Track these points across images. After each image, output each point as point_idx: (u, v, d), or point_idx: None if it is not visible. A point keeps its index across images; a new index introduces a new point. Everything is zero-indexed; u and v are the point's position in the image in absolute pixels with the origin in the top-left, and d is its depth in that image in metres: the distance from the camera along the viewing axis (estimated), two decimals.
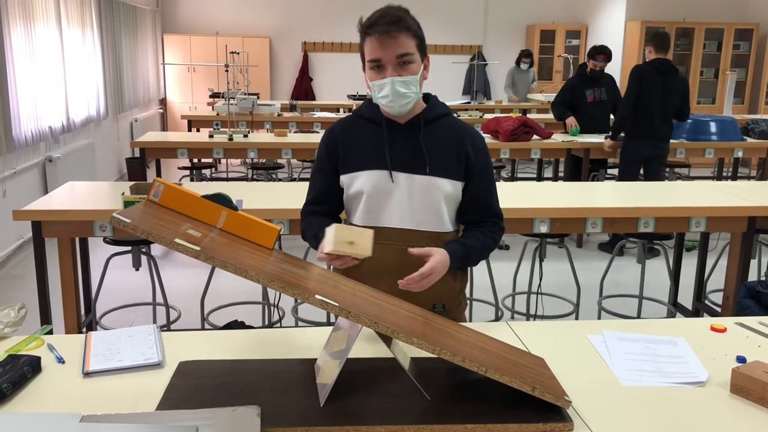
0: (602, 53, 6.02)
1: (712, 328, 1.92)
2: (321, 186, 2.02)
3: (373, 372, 1.59)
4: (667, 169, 7.49)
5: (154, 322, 4.08)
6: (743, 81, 9.89)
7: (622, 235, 4.47)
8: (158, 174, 6.21)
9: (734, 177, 7.51)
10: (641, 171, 5.63)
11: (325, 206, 2.04)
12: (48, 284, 3.22)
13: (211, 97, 9.23)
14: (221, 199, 1.61)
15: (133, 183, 3.30)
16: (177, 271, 5.01)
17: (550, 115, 8.18)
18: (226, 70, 5.88)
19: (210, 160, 7.45)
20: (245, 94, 7.36)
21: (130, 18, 8.80)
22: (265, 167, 6.94)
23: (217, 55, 10.34)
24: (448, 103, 2.08)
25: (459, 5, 11.02)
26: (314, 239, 1.97)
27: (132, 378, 1.57)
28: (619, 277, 5.06)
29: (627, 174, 5.53)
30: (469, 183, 1.96)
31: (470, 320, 2.19)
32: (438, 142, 1.92)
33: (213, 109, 7.97)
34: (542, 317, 4.26)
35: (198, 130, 7.43)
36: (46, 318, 3.24)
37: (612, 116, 6.17)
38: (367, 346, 1.74)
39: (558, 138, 5.97)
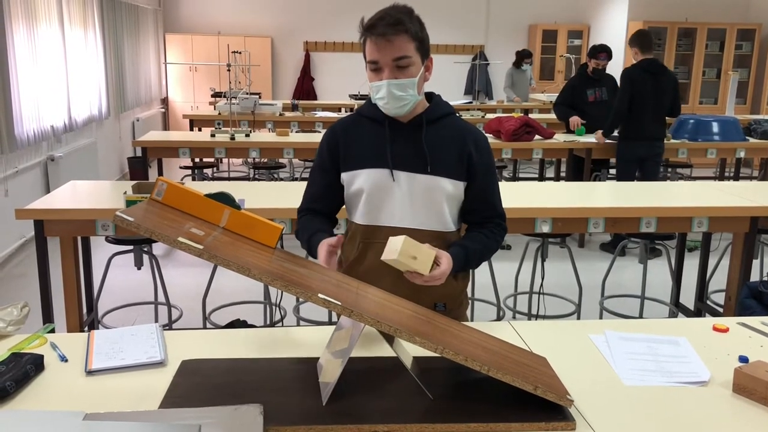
0: (604, 51, 6.02)
1: (715, 328, 1.92)
2: (320, 184, 2.02)
3: (375, 371, 1.59)
4: (669, 169, 7.49)
5: (156, 321, 4.08)
6: (745, 81, 9.88)
7: (624, 235, 4.47)
8: (160, 173, 6.22)
9: (736, 177, 7.50)
10: (638, 171, 5.64)
11: (323, 204, 2.03)
12: (50, 283, 3.23)
13: (212, 96, 9.23)
14: (224, 198, 1.62)
15: (135, 182, 3.31)
16: (179, 271, 5.01)
17: (552, 115, 8.18)
18: (228, 70, 5.89)
19: (212, 160, 7.47)
20: (247, 93, 7.37)
21: (132, 18, 8.80)
22: (267, 167, 6.94)
23: (219, 54, 10.35)
24: (449, 103, 2.07)
25: (461, 5, 11.02)
26: (307, 243, 1.95)
27: (134, 376, 1.57)
28: (620, 277, 5.06)
29: (624, 174, 5.55)
30: (471, 183, 1.96)
31: (472, 320, 2.20)
32: (440, 142, 1.92)
33: (215, 109, 7.97)
34: (544, 317, 4.26)
35: (200, 130, 7.43)
36: (48, 317, 3.24)
37: None
38: (369, 345, 1.74)
39: (560, 138, 5.97)
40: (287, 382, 1.53)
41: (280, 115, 7.51)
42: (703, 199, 3.50)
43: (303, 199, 2.06)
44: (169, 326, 3.91)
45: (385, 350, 1.68)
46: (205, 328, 3.91)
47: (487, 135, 5.72)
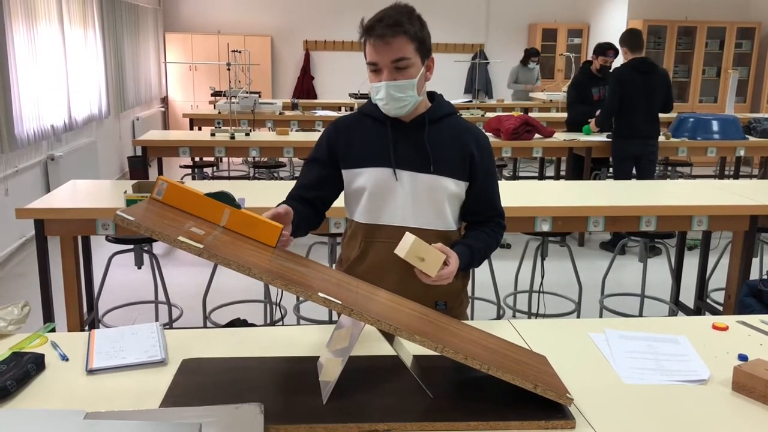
0: (612, 48, 6.04)
1: (714, 327, 1.93)
2: (313, 176, 1.99)
3: (375, 370, 1.59)
4: (669, 168, 7.49)
5: (157, 320, 4.08)
6: (745, 79, 9.88)
7: (624, 234, 4.47)
8: (160, 172, 6.22)
9: (736, 176, 7.51)
10: (634, 170, 5.67)
11: (311, 193, 1.99)
12: (51, 282, 3.23)
13: (212, 95, 9.23)
14: (224, 197, 1.62)
15: (135, 181, 3.31)
16: (179, 270, 5.01)
17: (552, 114, 8.19)
18: (228, 69, 5.88)
19: (212, 159, 7.47)
20: (247, 92, 7.36)
21: (132, 17, 8.80)
22: (267, 166, 6.94)
23: (219, 53, 10.34)
24: (451, 103, 2.07)
25: (461, 4, 11.02)
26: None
27: (135, 375, 1.58)
28: (620, 275, 5.06)
29: (620, 172, 5.57)
30: (473, 183, 1.96)
31: (472, 319, 2.20)
32: (442, 142, 1.92)
33: (215, 108, 7.98)
34: (544, 316, 4.26)
35: (200, 129, 7.43)
36: (48, 316, 3.25)
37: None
38: (369, 344, 1.74)
39: (560, 137, 5.97)
40: (288, 381, 1.53)
41: (280, 114, 7.51)
42: (703, 198, 3.50)
43: (294, 186, 2.03)
44: (169, 325, 3.92)
45: (385, 349, 1.68)
46: (205, 327, 3.91)
47: (487, 134, 5.77)
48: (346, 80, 10.64)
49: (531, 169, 9.46)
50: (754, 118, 6.73)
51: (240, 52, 7.44)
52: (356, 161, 1.94)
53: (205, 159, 7.38)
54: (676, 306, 4.24)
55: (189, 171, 7.31)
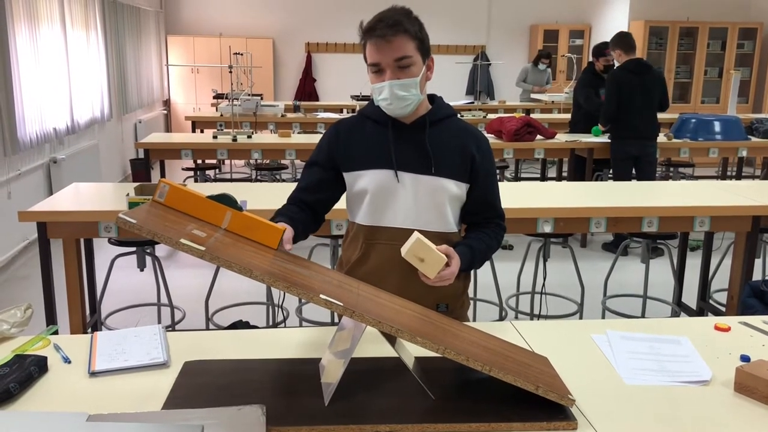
0: (609, 47, 6.03)
1: (716, 327, 1.92)
2: (313, 179, 1.99)
3: (377, 371, 1.60)
4: (671, 169, 7.48)
5: (159, 322, 4.09)
6: (747, 80, 9.87)
7: (626, 235, 4.47)
8: (162, 175, 6.23)
9: (738, 176, 7.50)
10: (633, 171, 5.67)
11: (310, 197, 1.99)
12: (53, 285, 3.24)
13: (214, 98, 9.25)
14: (226, 200, 1.62)
15: (137, 184, 3.32)
16: (181, 272, 5.02)
17: (554, 115, 8.19)
18: (230, 72, 5.90)
19: (214, 161, 7.47)
20: (249, 95, 7.37)
21: (133, 20, 8.82)
22: (269, 168, 6.95)
23: (221, 56, 10.36)
24: (451, 104, 2.08)
25: (462, 5, 11.02)
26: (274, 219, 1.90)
27: (138, 378, 1.58)
28: (623, 276, 5.06)
29: (620, 173, 5.57)
30: (474, 185, 1.96)
31: (474, 320, 2.20)
32: (443, 143, 1.93)
33: (217, 110, 7.99)
34: (546, 317, 4.26)
35: (202, 131, 7.45)
36: (51, 318, 3.25)
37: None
38: (371, 346, 1.74)
39: (561, 138, 5.97)
40: (290, 383, 1.54)
41: (282, 116, 7.52)
42: (705, 199, 3.50)
43: (294, 188, 2.03)
44: (171, 327, 3.92)
45: (386, 351, 1.69)
46: (207, 329, 3.92)
47: (488, 135, 5.79)
48: (347, 82, 10.65)
49: (533, 171, 9.46)
50: (757, 118, 6.73)
51: (242, 54, 7.46)
52: (357, 164, 1.94)
53: (207, 161, 7.39)
54: (679, 307, 4.24)
55: (191, 173, 7.32)
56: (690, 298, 4.30)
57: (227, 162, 9.14)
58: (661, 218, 3.37)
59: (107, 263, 3.78)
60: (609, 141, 5.68)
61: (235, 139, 5.61)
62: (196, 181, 7.19)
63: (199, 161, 7.25)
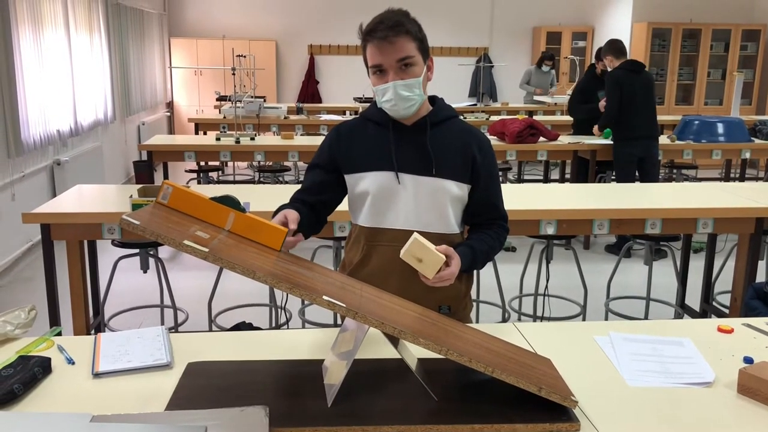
0: None
1: (719, 329, 1.92)
2: (315, 181, 2.00)
3: (380, 372, 1.60)
4: (674, 171, 7.48)
5: (162, 324, 4.09)
6: (750, 82, 9.86)
7: (629, 237, 4.46)
8: (165, 177, 6.24)
9: (742, 178, 7.49)
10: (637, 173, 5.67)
11: (313, 198, 2.00)
12: (57, 287, 3.24)
13: (217, 100, 9.26)
14: (229, 201, 1.63)
15: (141, 186, 3.32)
16: (184, 274, 5.03)
17: (557, 117, 8.19)
18: (233, 74, 5.91)
19: (217, 163, 7.49)
20: (252, 97, 7.39)
21: (137, 22, 8.84)
22: (272, 170, 6.96)
23: (224, 58, 10.37)
24: (454, 105, 2.08)
25: (465, 7, 11.03)
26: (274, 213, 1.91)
27: (141, 379, 1.58)
28: (626, 278, 5.05)
29: (624, 175, 5.56)
30: (475, 186, 1.96)
31: (477, 322, 2.20)
32: (444, 145, 1.93)
33: (220, 112, 8.00)
34: (549, 319, 4.26)
35: (205, 133, 7.46)
36: (55, 320, 3.26)
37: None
38: (374, 347, 1.75)
39: (564, 140, 5.97)
40: (292, 384, 1.54)
41: (285, 118, 7.53)
42: (708, 201, 3.49)
43: (296, 191, 2.05)
44: (175, 329, 3.93)
45: (389, 352, 1.69)
46: (210, 330, 3.92)
47: (491, 137, 5.79)
48: (350, 84, 10.66)
49: (536, 172, 9.45)
50: (760, 120, 6.72)
51: (245, 56, 7.47)
52: (359, 166, 1.95)
53: (210, 163, 7.40)
54: (682, 309, 4.23)
55: (194, 175, 7.33)
56: (693, 300, 4.30)
57: (230, 164, 9.16)
58: (664, 220, 3.37)
59: (110, 265, 3.79)
60: (612, 143, 5.67)
61: (238, 141, 5.62)
62: (199, 183, 7.20)
63: (202, 163, 7.27)
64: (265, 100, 7.89)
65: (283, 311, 4.05)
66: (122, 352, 1.69)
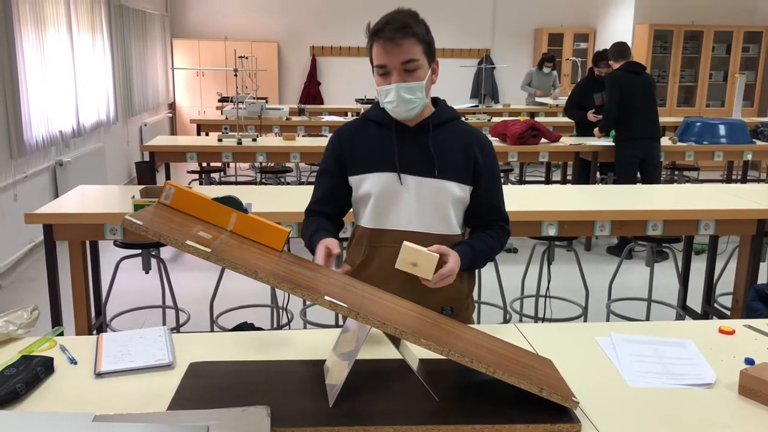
0: (603, 59, 6.10)
1: (721, 330, 1.92)
2: (326, 187, 2.03)
3: (381, 373, 1.60)
4: (676, 172, 7.48)
5: (164, 324, 4.09)
6: (752, 84, 9.85)
7: (631, 238, 4.47)
8: (167, 178, 6.25)
9: (743, 180, 7.48)
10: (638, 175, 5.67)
11: (329, 207, 2.04)
12: (59, 287, 3.25)
13: (219, 101, 9.27)
14: (231, 202, 1.63)
15: (143, 186, 3.33)
16: (186, 275, 5.03)
17: (558, 119, 8.19)
18: (235, 75, 5.92)
19: (219, 164, 7.49)
20: (254, 98, 7.39)
21: (139, 23, 8.86)
22: (274, 171, 6.96)
23: (226, 59, 10.39)
24: (456, 107, 2.08)
25: (467, 9, 11.03)
26: (308, 239, 1.95)
27: (143, 379, 1.59)
28: (627, 280, 5.05)
29: (624, 176, 5.56)
30: (477, 187, 1.97)
31: (479, 323, 2.20)
32: (446, 146, 1.93)
33: (222, 113, 8.01)
34: (550, 320, 4.26)
35: (207, 134, 7.47)
36: (57, 320, 3.27)
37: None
38: (375, 348, 1.75)
39: (566, 141, 5.97)
40: (294, 384, 1.54)
41: (287, 119, 7.54)
42: (710, 202, 3.49)
43: (310, 201, 2.07)
44: (176, 329, 3.93)
45: (391, 352, 1.69)
46: (212, 331, 3.93)
47: (493, 138, 5.79)
48: (352, 85, 10.67)
49: (537, 174, 9.45)
50: (762, 122, 6.71)
51: (247, 58, 7.47)
52: (361, 167, 1.95)
53: (212, 164, 7.41)
54: (684, 310, 4.23)
55: (196, 176, 7.34)
56: (695, 301, 4.29)
57: (232, 165, 9.16)
58: (665, 222, 3.37)
59: (113, 265, 3.79)
60: (613, 144, 5.67)
61: (240, 142, 5.63)
62: (201, 184, 7.21)
63: (204, 164, 7.28)
64: (267, 102, 7.90)
65: (284, 312, 4.05)
66: (124, 352, 1.69)
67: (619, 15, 10.19)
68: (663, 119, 5.63)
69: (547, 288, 4.23)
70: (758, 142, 6.20)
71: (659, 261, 5.34)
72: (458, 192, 1.93)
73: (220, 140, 5.76)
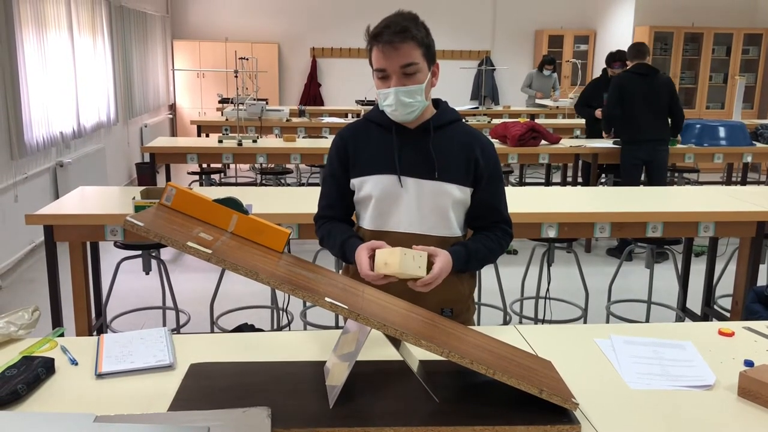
0: (617, 61, 6.11)
1: (720, 332, 1.93)
2: (334, 191, 2.03)
3: (381, 374, 1.60)
4: (676, 174, 7.48)
5: (164, 325, 4.10)
6: (752, 86, 9.86)
7: (631, 240, 4.47)
8: (168, 179, 6.25)
9: (743, 182, 7.48)
10: (643, 176, 5.68)
11: (340, 211, 2.04)
12: (59, 288, 3.25)
13: (220, 102, 9.28)
14: (232, 203, 1.63)
15: (144, 187, 3.33)
16: (187, 276, 5.04)
17: (559, 120, 8.20)
18: (236, 76, 5.93)
19: (219, 166, 7.50)
20: (254, 99, 7.40)
21: (140, 24, 8.86)
22: (274, 172, 6.97)
23: (227, 60, 10.40)
24: (456, 109, 2.09)
25: (467, 10, 11.04)
26: (340, 249, 1.95)
27: (144, 379, 1.59)
28: (627, 282, 5.05)
29: (628, 178, 5.56)
30: (478, 189, 1.97)
31: (479, 324, 2.20)
32: (447, 148, 1.93)
33: (222, 115, 8.02)
34: (550, 322, 4.26)
35: (207, 136, 7.48)
36: (58, 321, 3.27)
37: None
38: (375, 349, 1.75)
39: (566, 143, 5.98)
40: (294, 385, 1.54)
41: (287, 120, 7.54)
42: (710, 204, 3.50)
43: (319, 207, 2.07)
44: (177, 331, 3.93)
45: (391, 354, 1.69)
46: (212, 332, 3.93)
47: (493, 140, 5.79)
48: (352, 87, 10.67)
49: (537, 176, 9.46)
50: (762, 124, 6.73)
51: (247, 59, 7.48)
52: (363, 169, 1.95)
53: (212, 165, 7.42)
54: (683, 312, 4.23)
55: (197, 177, 7.34)
56: (694, 303, 4.30)
57: (232, 166, 9.17)
58: (665, 224, 3.37)
59: (113, 266, 3.80)
60: (617, 146, 5.67)
61: (240, 144, 5.63)
62: (201, 185, 7.21)
63: (205, 165, 7.28)
64: (267, 103, 7.91)
65: (284, 313, 4.05)
66: (125, 353, 1.70)
67: (620, 17, 10.20)
68: None
69: (547, 289, 4.23)
70: (758, 144, 6.21)
71: (659, 263, 5.34)
72: (458, 194, 1.94)
73: (220, 141, 5.77)
